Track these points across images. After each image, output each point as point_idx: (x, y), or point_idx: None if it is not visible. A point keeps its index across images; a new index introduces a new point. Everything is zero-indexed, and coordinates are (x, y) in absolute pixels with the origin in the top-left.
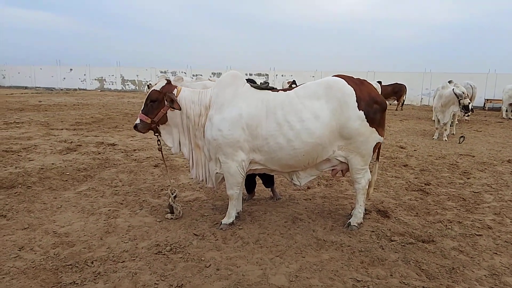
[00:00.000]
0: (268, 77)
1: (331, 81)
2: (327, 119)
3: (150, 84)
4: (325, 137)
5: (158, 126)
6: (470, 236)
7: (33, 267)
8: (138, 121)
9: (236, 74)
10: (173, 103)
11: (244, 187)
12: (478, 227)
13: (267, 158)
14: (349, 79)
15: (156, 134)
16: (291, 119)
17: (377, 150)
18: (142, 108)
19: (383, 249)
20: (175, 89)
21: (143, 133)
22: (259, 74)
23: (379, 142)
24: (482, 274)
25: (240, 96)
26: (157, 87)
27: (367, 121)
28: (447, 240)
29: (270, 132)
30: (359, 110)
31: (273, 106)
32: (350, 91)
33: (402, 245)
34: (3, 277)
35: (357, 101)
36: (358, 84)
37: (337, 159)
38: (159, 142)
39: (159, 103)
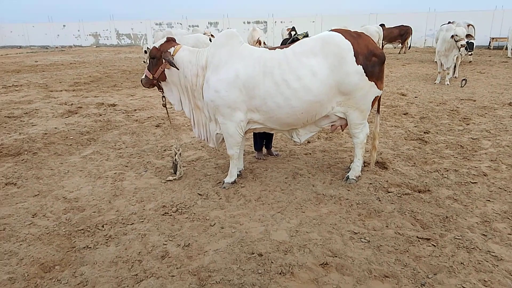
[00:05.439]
0: (267, 24)
1: (327, 37)
2: (325, 75)
3: (148, 48)
4: (323, 94)
5: (160, 82)
6: (465, 184)
7: (47, 233)
8: (143, 76)
9: (231, 34)
10: (170, 63)
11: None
12: (474, 174)
13: (265, 117)
14: (346, 33)
15: (160, 90)
16: (288, 78)
17: (376, 103)
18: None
19: (380, 201)
20: (173, 47)
21: (148, 88)
22: (257, 22)
23: (378, 96)
24: (474, 222)
25: (236, 56)
26: (157, 44)
27: (366, 75)
28: (443, 189)
29: (268, 92)
30: (358, 64)
31: (270, 66)
32: (347, 46)
33: (399, 196)
34: (21, 244)
35: (355, 56)
36: (355, 38)
37: (336, 115)
38: (163, 98)
39: (158, 60)
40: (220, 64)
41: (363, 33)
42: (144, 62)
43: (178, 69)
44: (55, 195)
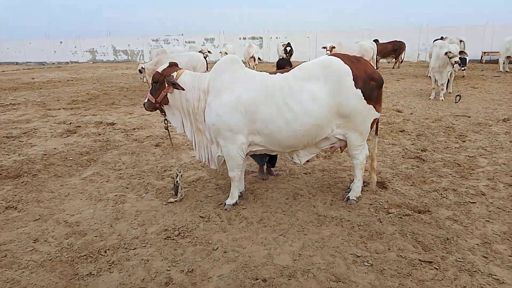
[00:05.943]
0: (262, 40)
1: (327, 61)
2: (325, 99)
3: (142, 67)
4: (323, 118)
5: (162, 106)
6: (464, 204)
7: (50, 260)
8: (146, 100)
9: (233, 59)
10: (175, 85)
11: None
12: (472, 194)
13: (266, 140)
14: (345, 58)
15: (163, 113)
16: (289, 102)
17: (375, 125)
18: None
19: (381, 222)
20: (175, 71)
21: (150, 111)
22: (253, 38)
23: (376, 118)
24: (474, 243)
25: (238, 81)
26: (159, 69)
27: (365, 98)
28: (442, 210)
29: (269, 116)
30: (356, 88)
31: (271, 90)
32: (346, 70)
33: (399, 217)
34: (23, 271)
35: (354, 80)
36: (354, 62)
37: (336, 137)
38: (165, 121)
39: (160, 85)
40: (222, 89)
41: (361, 57)
42: (140, 79)
43: (183, 89)
44: (56, 219)
